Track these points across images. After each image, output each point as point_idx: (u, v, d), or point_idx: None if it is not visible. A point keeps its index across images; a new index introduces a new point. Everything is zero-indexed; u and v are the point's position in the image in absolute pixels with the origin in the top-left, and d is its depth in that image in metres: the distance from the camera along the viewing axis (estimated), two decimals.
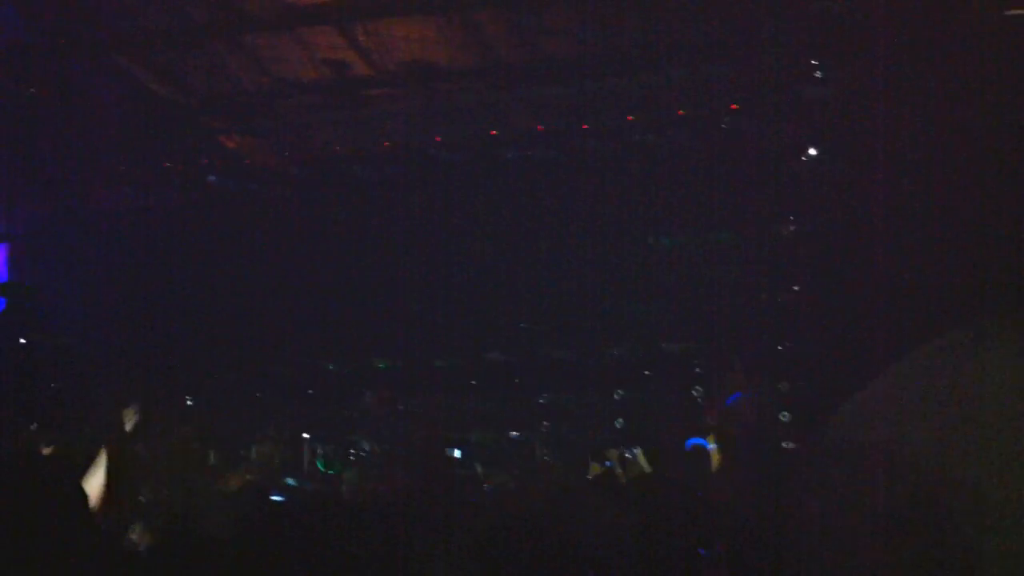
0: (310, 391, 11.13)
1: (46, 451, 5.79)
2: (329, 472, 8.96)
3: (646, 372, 10.57)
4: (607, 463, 7.35)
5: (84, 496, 3.40)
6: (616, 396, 10.41)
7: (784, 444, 7.42)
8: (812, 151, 9.81)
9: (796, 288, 9.92)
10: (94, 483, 4.33)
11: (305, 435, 9.62)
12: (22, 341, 9.47)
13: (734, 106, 10.05)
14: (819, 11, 9.00)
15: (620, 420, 10.02)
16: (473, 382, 10.90)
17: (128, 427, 4.83)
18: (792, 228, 10.05)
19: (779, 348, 9.72)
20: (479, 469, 8.58)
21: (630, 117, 10.48)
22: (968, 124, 8.43)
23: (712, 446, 6.37)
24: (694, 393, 9.74)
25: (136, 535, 4.49)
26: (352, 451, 9.32)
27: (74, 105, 10.59)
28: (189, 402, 9.60)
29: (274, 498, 5.65)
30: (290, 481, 7.69)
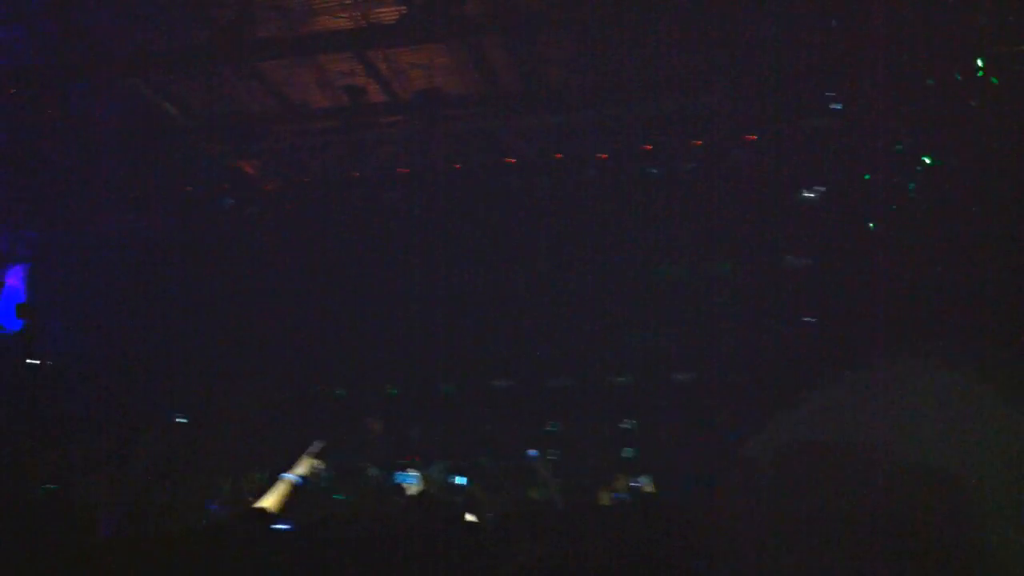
0: (316, 415, 11.10)
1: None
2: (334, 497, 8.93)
3: (656, 402, 10.50)
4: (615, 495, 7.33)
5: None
6: (627, 425, 10.35)
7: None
8: (816, 184, 9.81)
9: (807, 319, 9.87)
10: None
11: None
12: (32, 361, 9.53)
13: (752, 137, 10.04)
14: (821, 41, 9.00)
15: (629, 450, 9.96)
16: (479, 408, 10.87)
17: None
18: (797, 259, 10.02)
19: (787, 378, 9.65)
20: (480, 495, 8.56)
21: (648, 147, 10.49)
22: (972, 152, 8.42)
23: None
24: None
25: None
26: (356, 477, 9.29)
27: (84, 127, 10.66)
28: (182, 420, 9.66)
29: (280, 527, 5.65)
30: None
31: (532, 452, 9.34)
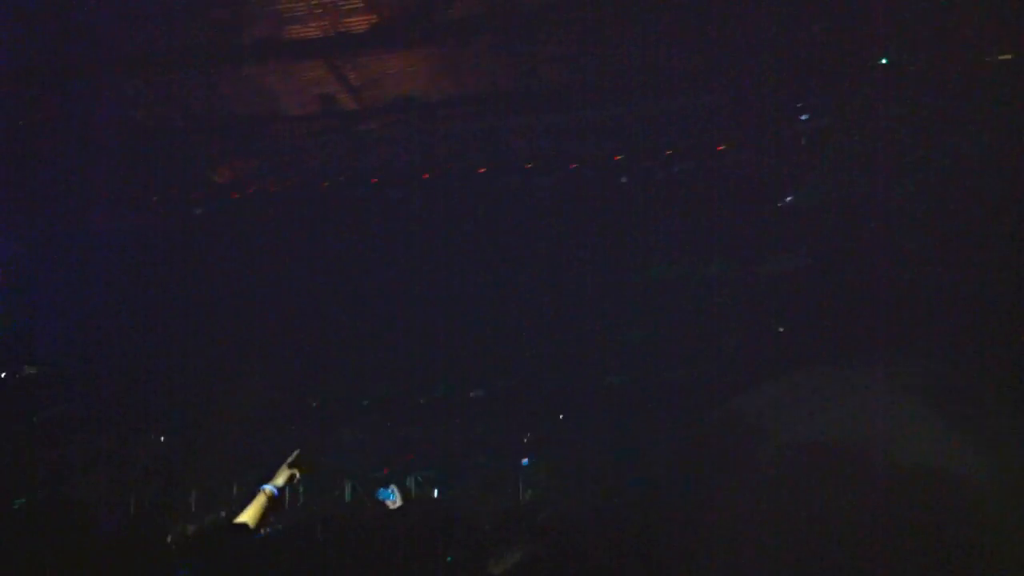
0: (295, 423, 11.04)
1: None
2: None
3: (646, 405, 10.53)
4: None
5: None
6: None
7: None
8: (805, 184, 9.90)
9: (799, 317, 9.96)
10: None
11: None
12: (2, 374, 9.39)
13: (720, 147, 10.12)
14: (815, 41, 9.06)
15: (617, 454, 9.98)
16: (457, 419, 10.86)
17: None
18: (789, 259, 10.10)
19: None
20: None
21: (617, 157, 10.55)
22: (963, 158, 8.55)
23: None
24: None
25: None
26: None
27: (61, 128, 10.54)
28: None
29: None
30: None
31: (525, 460, 9.36)
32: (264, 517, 6.00)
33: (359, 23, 9.54)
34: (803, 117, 9.82)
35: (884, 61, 8.89)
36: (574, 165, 10.74)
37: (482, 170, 10.98)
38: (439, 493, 9.14)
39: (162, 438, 10.31)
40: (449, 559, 4.39)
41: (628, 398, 10.54)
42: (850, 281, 9.49)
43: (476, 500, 9.01)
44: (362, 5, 9.28)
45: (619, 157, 10.69)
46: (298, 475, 6.33)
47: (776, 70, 9.43)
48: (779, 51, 9.28)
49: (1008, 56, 8.54)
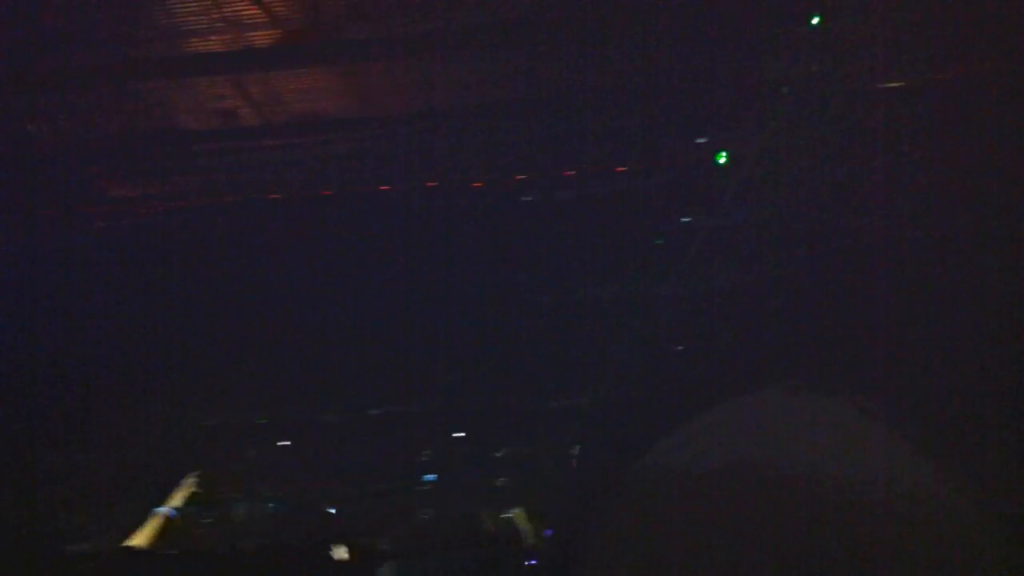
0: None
1: None
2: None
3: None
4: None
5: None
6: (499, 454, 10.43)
7: None
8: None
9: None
10: None
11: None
12: None
13: (620, 169, 10.28)
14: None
15: (502, 479, 10.04)
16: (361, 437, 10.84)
17: None
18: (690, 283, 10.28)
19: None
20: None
21: (519, 176, 10.63)
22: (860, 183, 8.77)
23: None
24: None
25: None
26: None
27: None
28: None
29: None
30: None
31: (430, 476, 9.34)
32: (159, 540, 5.91)
33: (263, 38, 9.49)
34: (699, 140, 10.02)
35: (785, 90, 9.10)
36: (479, 183, 10.80)
37: (386, 187, 10.99)
38: (336, 511, 9.08)
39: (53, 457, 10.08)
40: None
41: (536, 418, 10.64)
42: (751, 302, 9.69)
43: (374, 517, 8.98)
44: (266, 20, 9.24)
45: (521, 177, 10.78)
46: (194, 496, 6.27)
47: (677, 93, 9.60)
48: (680, 73, 9.44)
49: (899, 83, 8.80)
